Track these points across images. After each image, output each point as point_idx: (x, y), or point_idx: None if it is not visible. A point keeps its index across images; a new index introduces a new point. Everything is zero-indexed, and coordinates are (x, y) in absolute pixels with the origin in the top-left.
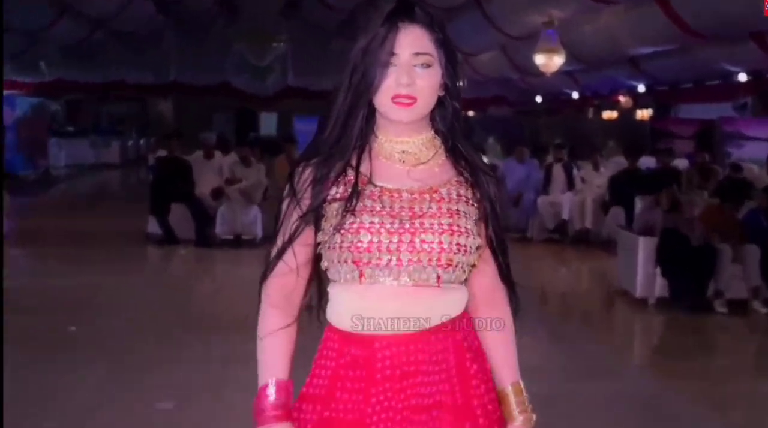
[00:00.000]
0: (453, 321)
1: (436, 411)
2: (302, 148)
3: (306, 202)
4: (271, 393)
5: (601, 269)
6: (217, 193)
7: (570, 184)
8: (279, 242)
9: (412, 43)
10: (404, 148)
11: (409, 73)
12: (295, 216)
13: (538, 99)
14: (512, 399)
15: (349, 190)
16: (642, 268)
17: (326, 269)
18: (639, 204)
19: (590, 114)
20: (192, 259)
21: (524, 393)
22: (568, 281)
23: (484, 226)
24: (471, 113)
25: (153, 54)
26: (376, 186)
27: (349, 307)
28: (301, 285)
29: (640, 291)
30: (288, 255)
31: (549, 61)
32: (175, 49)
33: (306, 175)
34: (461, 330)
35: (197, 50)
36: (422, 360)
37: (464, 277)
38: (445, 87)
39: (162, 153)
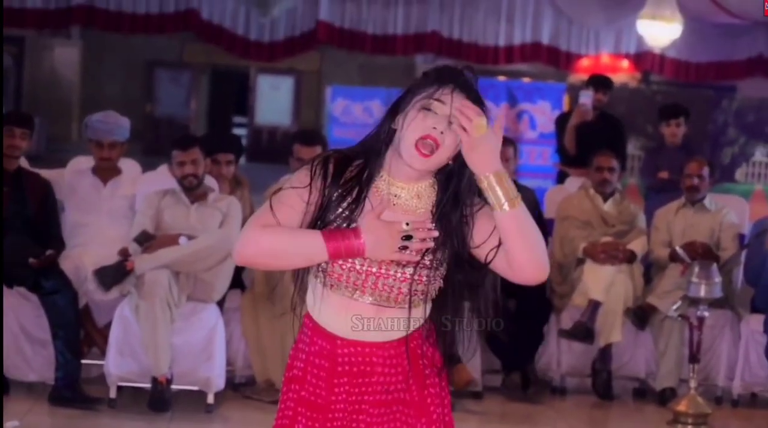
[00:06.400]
0: (409, 333)
1: (396, 406)
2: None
3: (315, 197)
4: (323, 234)
5: None
6: (117, 269)
7: None
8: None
9: (456, 103)
10: (398, 192)
11: (444, 125)
12: (297, 203)
13: None
14: (495, 185)
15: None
16: None
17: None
18: None
19: None
20: None
21: (507, 182)
22: None
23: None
24: (707, 92)
25: None
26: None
27: (318, 303)
28: None
29: None
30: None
31: None
32: None
33: (332, 169)
34: (417, 338)
35: None
36: (377, 363)
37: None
38: (457, 167)
39: None
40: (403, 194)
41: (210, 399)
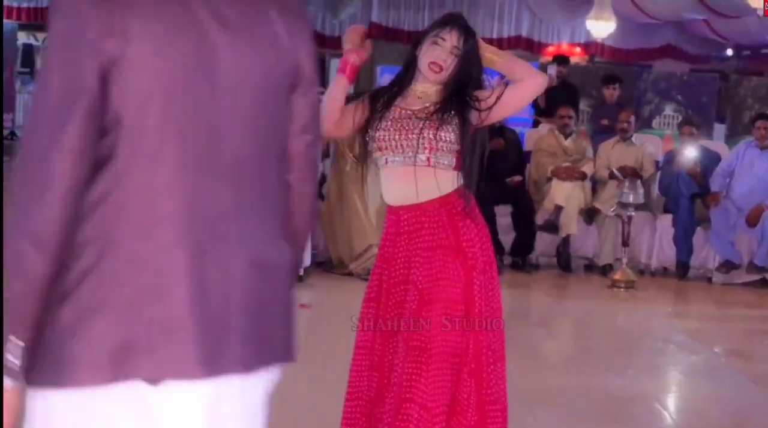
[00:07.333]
0: (446, 195)
1: (440, 250)
2: None
3: (368, 107)
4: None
5: None
6: None
7: None
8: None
9: (455, 40)
10: (423, 89)
11: (446, 54)
12: (359, 106)
13: (729, 52)
14: (493, 52)
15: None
16: None
17: (372, 157)
18: None
19: None
20: None
21: (498, 52)
22: None
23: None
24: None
25: None
26: (398, 107)
27: (384, 189)
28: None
29: None
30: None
31: None
32: None
33: (376, 95)
34: (452, 199)
35: None
36: (425, 219)
37: (449, 160)
38: (458, 75)
39: None
40: (428, 90)
41: (300, 272)
